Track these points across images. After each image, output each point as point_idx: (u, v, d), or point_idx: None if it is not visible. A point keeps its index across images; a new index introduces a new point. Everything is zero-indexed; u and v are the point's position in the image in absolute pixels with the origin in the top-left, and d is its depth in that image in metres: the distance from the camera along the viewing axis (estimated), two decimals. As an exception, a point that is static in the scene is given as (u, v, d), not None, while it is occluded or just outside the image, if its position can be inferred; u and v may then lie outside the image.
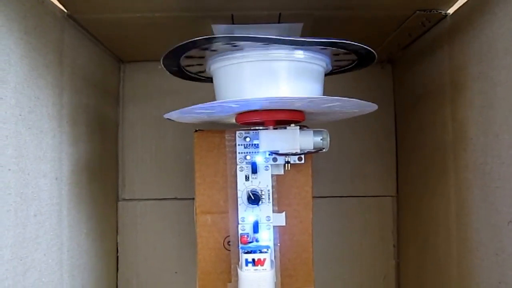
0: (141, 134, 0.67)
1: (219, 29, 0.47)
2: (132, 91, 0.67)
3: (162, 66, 0.43)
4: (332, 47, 0.39)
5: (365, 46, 0.39)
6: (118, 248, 0.66)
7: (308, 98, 0.39)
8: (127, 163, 0.66)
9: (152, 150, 0.67)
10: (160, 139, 0.66)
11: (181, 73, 0.47)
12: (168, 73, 0.46)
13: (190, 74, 0.48)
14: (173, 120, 0.44)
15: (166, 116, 0.41)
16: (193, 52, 0.40)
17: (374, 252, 0.67)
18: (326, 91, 0.43)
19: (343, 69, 0.48)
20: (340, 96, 0.36)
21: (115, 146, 0.66)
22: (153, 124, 0.66)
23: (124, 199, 0.66)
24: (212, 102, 0.37)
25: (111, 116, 0.64)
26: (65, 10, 0.47)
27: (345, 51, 0.41)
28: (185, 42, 0.37)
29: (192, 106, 0.38)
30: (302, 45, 0.38)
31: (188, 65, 0.45)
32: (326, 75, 0.44)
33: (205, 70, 0.45)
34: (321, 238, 0.61)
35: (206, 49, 0.39)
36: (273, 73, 0.40)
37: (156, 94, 0.67)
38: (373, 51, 0.40)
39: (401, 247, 0.66)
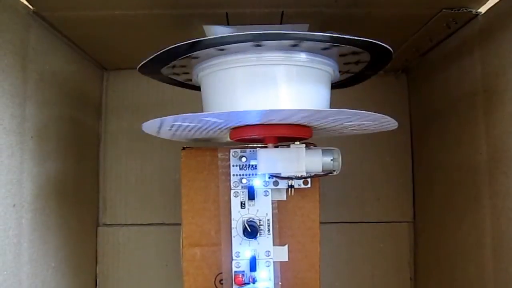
0: (126, 150, 0.61)
1: (212, 30, 0.41)
2: (117, 101, 0.61)
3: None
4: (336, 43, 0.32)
5: (378, 42, 0.32)
6: (98, 280, 0.59)
7: (314, 110, 0.32)
8: (109, 184, 0.60)
9: (138, 169, 0.61)
10: (147, 156, 0.61)
11: (167, 79, 0.41)
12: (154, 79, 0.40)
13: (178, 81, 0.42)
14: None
15: (145, 128, 0.34)
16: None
17: (388, 285, 0.61)
18: (333, 104, 0.38)
19: (351, 76, 0.41)
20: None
21: (95, 164, 0.59)
22: (139, 139, 0.61)
23: (105, 224, 0.60)
24: (186, 115, 0.30)
25: (91, 130, 0.58)
26: (30, 6, 0.41)
27: (352, 52, 0.34)
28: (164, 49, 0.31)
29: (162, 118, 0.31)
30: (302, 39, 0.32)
31: (175, 74, 0.39)
32: (333, 87, 0.38)
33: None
34: (328, 269, 0.57)
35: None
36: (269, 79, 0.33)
37: (144, 106, 0.61)
38: (389, 47, 0.33)
39: (420, 281, 0.59)
